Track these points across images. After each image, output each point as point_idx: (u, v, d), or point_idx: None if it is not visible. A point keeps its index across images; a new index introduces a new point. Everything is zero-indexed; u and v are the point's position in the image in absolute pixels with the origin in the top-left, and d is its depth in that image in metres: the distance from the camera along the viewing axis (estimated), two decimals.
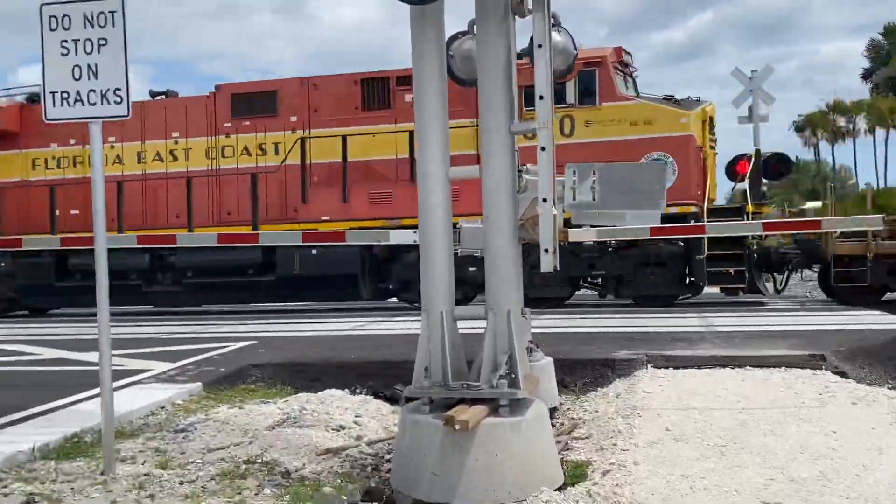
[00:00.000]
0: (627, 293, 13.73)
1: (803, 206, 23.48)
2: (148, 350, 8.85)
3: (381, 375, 7.08)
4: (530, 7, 4.13)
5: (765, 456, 4.16)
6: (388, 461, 4.60)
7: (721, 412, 5.14)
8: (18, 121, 15.96)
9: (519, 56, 4.59)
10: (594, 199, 5.01)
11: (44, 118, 4.44)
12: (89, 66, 4.29)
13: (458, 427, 3.74)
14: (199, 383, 6.79)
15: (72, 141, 15.33)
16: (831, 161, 64.23)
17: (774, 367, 6.62)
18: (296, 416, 5.41)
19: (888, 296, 13.14)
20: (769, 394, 5.66)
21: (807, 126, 60.94)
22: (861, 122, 58.66)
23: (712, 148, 14.02)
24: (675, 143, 12.89)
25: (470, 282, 12.21)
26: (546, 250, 4.02)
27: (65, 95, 4.34)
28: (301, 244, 13.50)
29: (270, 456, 4.50)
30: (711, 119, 13.92)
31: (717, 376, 6.37)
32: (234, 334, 10.44)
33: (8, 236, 15.29)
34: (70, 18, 4.27)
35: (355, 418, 5.52)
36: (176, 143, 15.14)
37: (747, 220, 13.06)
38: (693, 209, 13.01)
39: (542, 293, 12.86)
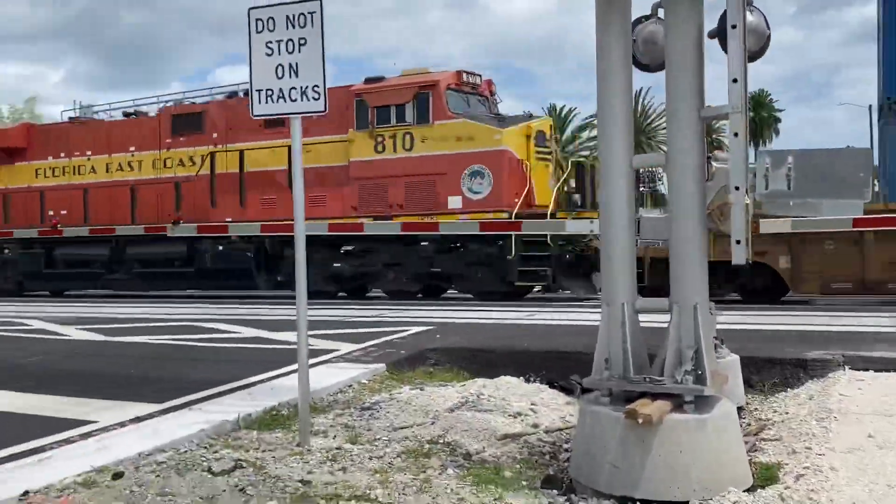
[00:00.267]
0: (464, 288, 15.21)
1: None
2: (333, 332, 9.36)
3: (555, 365, 7.08)
4: None
5: None
6: (566, 450, 4.61)
7: None
8: (26, 138, 19.46)
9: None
10: (789, 188, 4.74)
11: (251, 114, 4.82)
12: (291, 65, 4.61)
13: (640, 421, 3.69)
14: (383, 364, 7.11)
15: (62, 154, 18.81)
16: None
17: None
18: (473, 401, 5.54)
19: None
20: None
21: None
22: None
23: (543, 159, 14.94)
24: (490, 156, 14.15)
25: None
26: (738, 241, 3.85)
27: (269, 93, 4.69)
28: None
29: (451, 437, 4.65)
30: (542, 133, 14.96)
31: None
32: (410, 319, 10.82)
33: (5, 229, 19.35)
34: (274, 20, 4.60)
35: (531, 406, 5.57)
36: (132, 155, 18.17)
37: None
38: (504, 216, 14.08)
39: (399, 286, 15.20)
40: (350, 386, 6.42)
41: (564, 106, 41.99)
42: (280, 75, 4.63)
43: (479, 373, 6.88)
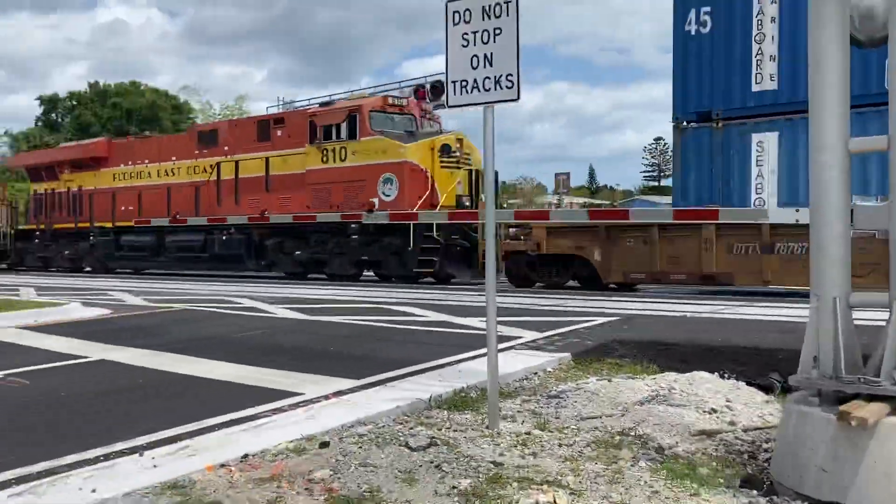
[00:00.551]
0: (383, 272, 18.45)
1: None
2: (515, 319, 9.46)
3: (752, 362, 6.74)
4: None
5: None
6: (766, 451, 4.37)
7: None
8: (108, 149, 25.49)
9: None
10: None
11: (445, 105, 4.96)
12: (485, 55, 4.69)
13: (854, 423, 3.43)
14: (568, 354, 7.10)
15: (130, 162, 24.30)
16: None
17: None
18: (665, 395, 5.39)
19: None
20: None
21: None
22: None
23: (447, 167, 17.70)
24: (396, 166, 17.43)
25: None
26: None
27: (463, 83, 4.80)
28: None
29: (643, 430, 4.56)
30: (447, 146, 17.64)
31: None
32: (594, 309, 10.70)
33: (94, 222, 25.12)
34: (470, 12, 4.70)
35: (726, 403, 5.32)
36: (174, 163, 22.98)
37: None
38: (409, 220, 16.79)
39: (339, 271, 18.78)
40: (535, 374, 6.47)
41: None
42: (475, 65, 4.72)
43: (671, 367, 6.67)
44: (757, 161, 12.01)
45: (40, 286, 17.95)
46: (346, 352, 7.59)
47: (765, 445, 4.46)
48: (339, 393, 5.59)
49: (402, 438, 4.39)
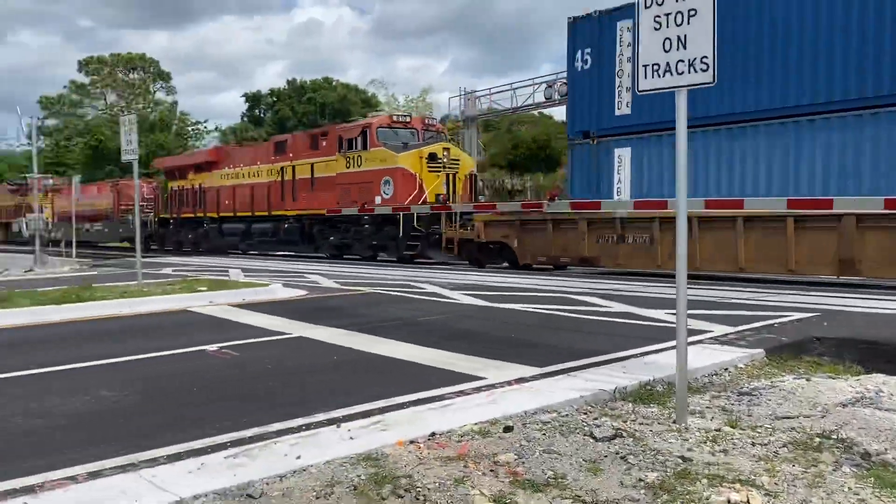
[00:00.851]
0: (385, 255, 22.60)
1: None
2: (706, 312, 9.08)
3: None
4: None
5: None
6: None
7: None
8: (217, 155, 31.06)
9: None
10: None
11: (636, 90, 4.85)
12: (678, 38, 4.53)
13: None
14: (762, 350, 6.73)
15: (231, 166, 29.22)
16: None
17: None
18: (872, 398, 4.99)
19: None
20: None
21: None
22: None
23: (434, 171, 21.49)
24: (392, 171, 21.57)
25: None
26: None
27: (655, 67, 4.66)
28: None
29: (846, 434, 4.25)
30: (433, 154, 21.51)
31: None
32: (790, 304, 10.05)
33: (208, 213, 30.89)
34: None
35: None
36: (258, 166, 27.84)
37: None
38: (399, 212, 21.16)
39: (360, 252, 23.38)
40: (726, 369, 6.20)
41: None
42: (667, 48, 4.58)
43: (877, 368, 6.17)
44: (617, 169, 16.54)
45: (243, 268, 19.55)
46: (529, 339, 7.65)
47: None
48: (521, 380, 5.65)
49: (586, 428, 4.38)
